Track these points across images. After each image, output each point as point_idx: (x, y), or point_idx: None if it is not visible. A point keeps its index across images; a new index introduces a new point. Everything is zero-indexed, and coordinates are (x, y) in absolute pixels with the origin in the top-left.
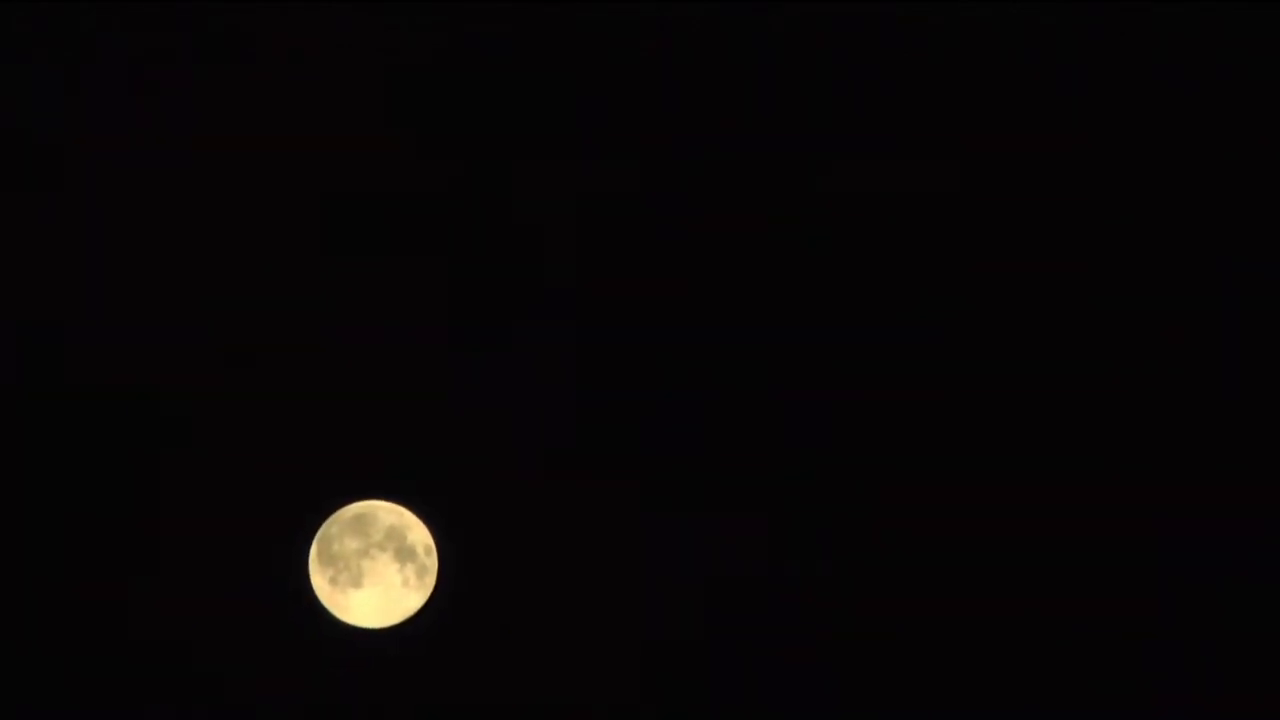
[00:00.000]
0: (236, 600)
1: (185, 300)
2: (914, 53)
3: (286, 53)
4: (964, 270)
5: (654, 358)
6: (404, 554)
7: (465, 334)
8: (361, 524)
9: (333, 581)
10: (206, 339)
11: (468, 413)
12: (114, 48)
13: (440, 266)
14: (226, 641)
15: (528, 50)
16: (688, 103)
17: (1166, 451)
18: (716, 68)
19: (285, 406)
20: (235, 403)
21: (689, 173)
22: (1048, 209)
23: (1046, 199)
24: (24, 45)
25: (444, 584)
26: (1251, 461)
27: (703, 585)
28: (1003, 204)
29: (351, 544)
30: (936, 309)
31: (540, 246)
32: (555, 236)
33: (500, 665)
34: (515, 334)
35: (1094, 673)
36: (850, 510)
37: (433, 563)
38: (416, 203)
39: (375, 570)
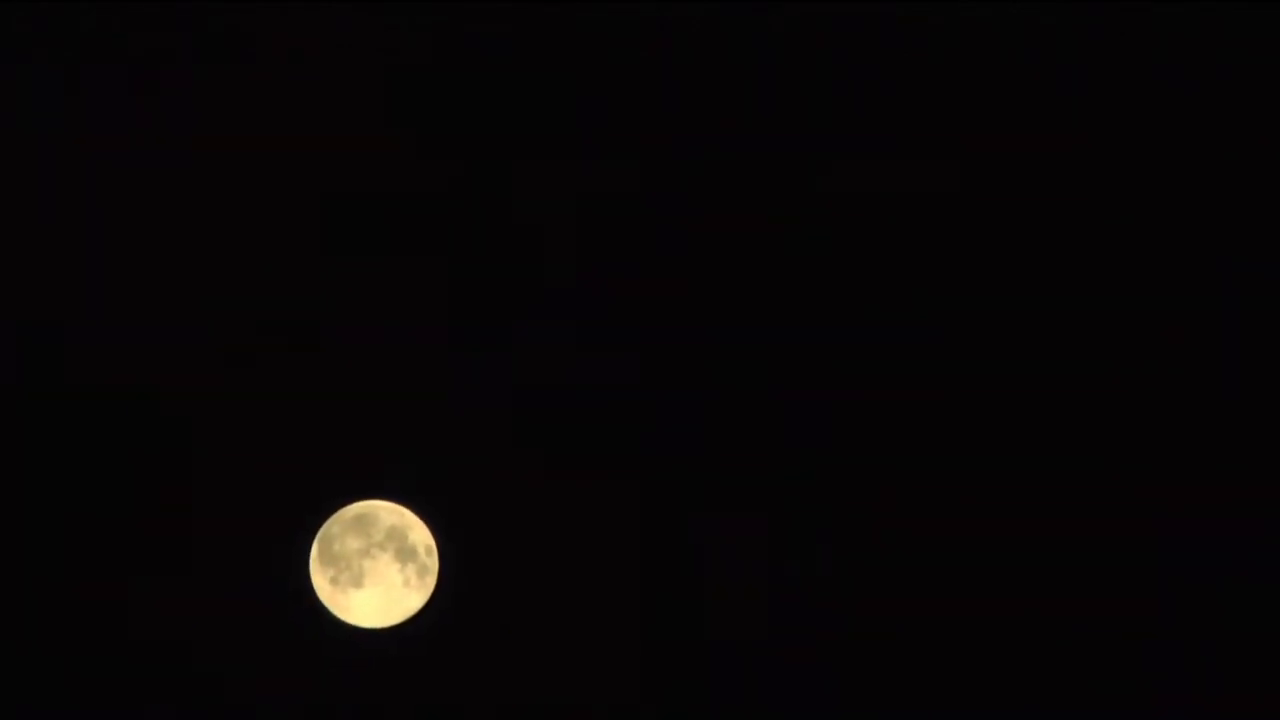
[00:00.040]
0: (237, 600)
1: (186, 300)
2: (914, 53)
3: (286, 53)
4: (964, 270)
5: (654, 357)
6: (405, 554)
7: (465, 334)
8: (362, 524)
9: (334, 581)
10: (207, 339)
11: (468, 413)
12: (114, 48)
13: (440, 266)
14: (227, 641)
15: (528, 50)
16: (688, 103)
17: (1166, 452)
18: (716, 68)
19: (286, 406)
20: (236, 403)
21: (689, 173)
22: (1048, 209)
23: (1046, 199)
24: (24, 45)
25: (445, 584)
26: (1252, 462)
27: (703, 585)
28: (1002, 204)
29: (352, 544)
30: (936, 309)
31: (540, 246)
32: (555, 236)
33: (501, 665)
34: (515, 334)
35: (1094, 673)
36: (850, 510)
37: (434, 563)
38: (416, 203)
39: (376, 570)
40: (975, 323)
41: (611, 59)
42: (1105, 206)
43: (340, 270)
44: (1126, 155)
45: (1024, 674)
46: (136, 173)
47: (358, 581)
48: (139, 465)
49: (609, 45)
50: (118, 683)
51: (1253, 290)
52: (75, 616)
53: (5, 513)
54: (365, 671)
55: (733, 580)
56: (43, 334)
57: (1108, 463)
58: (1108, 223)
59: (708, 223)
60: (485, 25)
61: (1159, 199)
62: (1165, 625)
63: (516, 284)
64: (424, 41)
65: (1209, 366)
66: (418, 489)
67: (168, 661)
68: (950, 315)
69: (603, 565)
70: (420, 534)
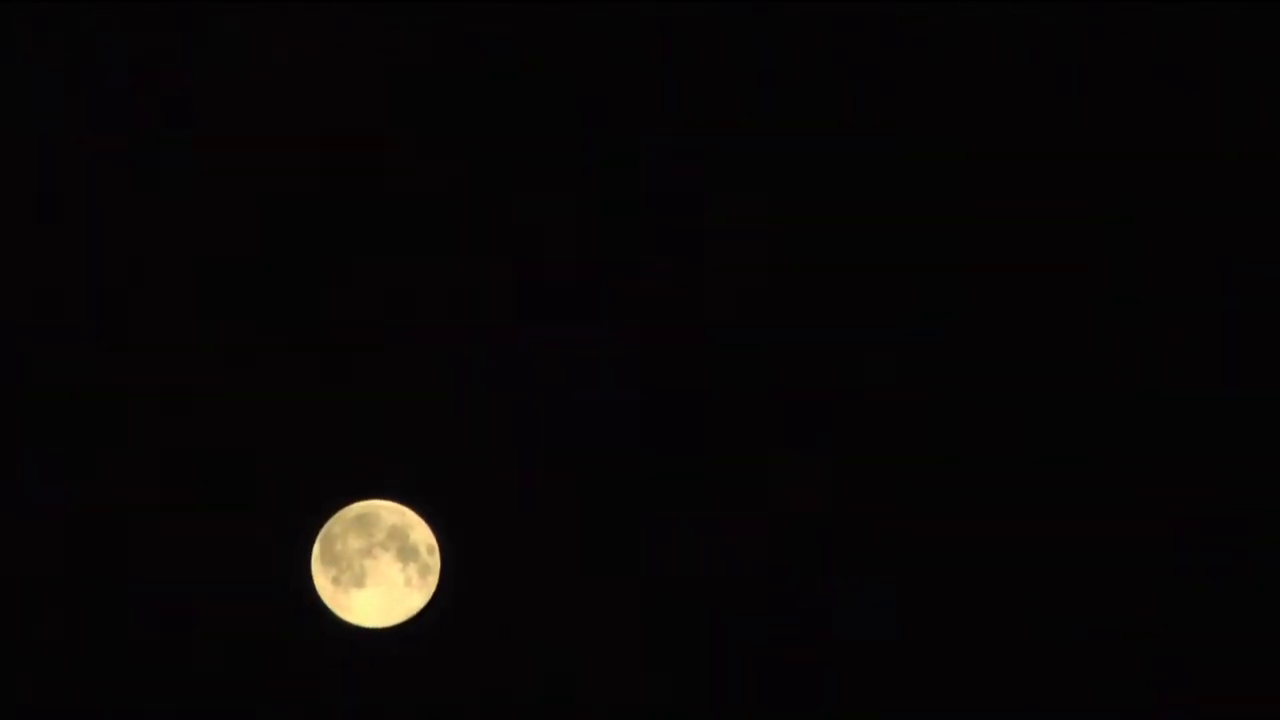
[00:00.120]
0: (238, 600)
1: (186, 300)
2: (914, 53)
3: (286, 53)
4: (964, 270)
5: (654, 357)
6: (406, 553)
7: (466, 333)
8: (364, 523)
9: (335, 581)
10: (208, 339)
11: (470, 412)
12: (114, 48)
13: (441, 266)
14: (228, 641)
15: (528, 50)
16: (688, 103)
17: (1167, 452)
18: (717, 67)
19: (287, 406)
20: (237, 402)
21: (689, 173)
22: (1047, 209)
23: (1046, 199)
24: (24, 45)
25: (446, 583)
26: (1252, 462)
27: (703, 585)
28: (1003, 204)
29: (354, 543)
30: (937, 309)
31: (541, 246)
32: (555, 236)
33: (502, 665)
34: (516, 334)
35: (1094, 673)
36: (850, 511)
37: (435, 562)
38: (416, 203)
39: (378, 570)
40: (976, 323)
41: (611, 59)
42: (1105, 206)
43: (340, 270)
44: (1126, 155)
45: (1024, 674)
46: (136, 173)
47: (359, 581)
48: (140, 465)
49: (609, 45)
50: (118, 682)
51: (1253, 290)
52: (76, 616)
53: (5, 512)
54: (367, 671)
55: (732, 580)
56: (43, 334)
57: (1108, 462)
58: (1107, 223)
59: (708, 223)
60: (485, 25)
61: (1159, 199)
62: (1166, 625)
63: (517, 284)
64: (424, 41)
65: (1209, 366)
66: (419, 488)
67: (169, 661)
68: (950, 315)
69: (604, 565)
70: (422, 533)
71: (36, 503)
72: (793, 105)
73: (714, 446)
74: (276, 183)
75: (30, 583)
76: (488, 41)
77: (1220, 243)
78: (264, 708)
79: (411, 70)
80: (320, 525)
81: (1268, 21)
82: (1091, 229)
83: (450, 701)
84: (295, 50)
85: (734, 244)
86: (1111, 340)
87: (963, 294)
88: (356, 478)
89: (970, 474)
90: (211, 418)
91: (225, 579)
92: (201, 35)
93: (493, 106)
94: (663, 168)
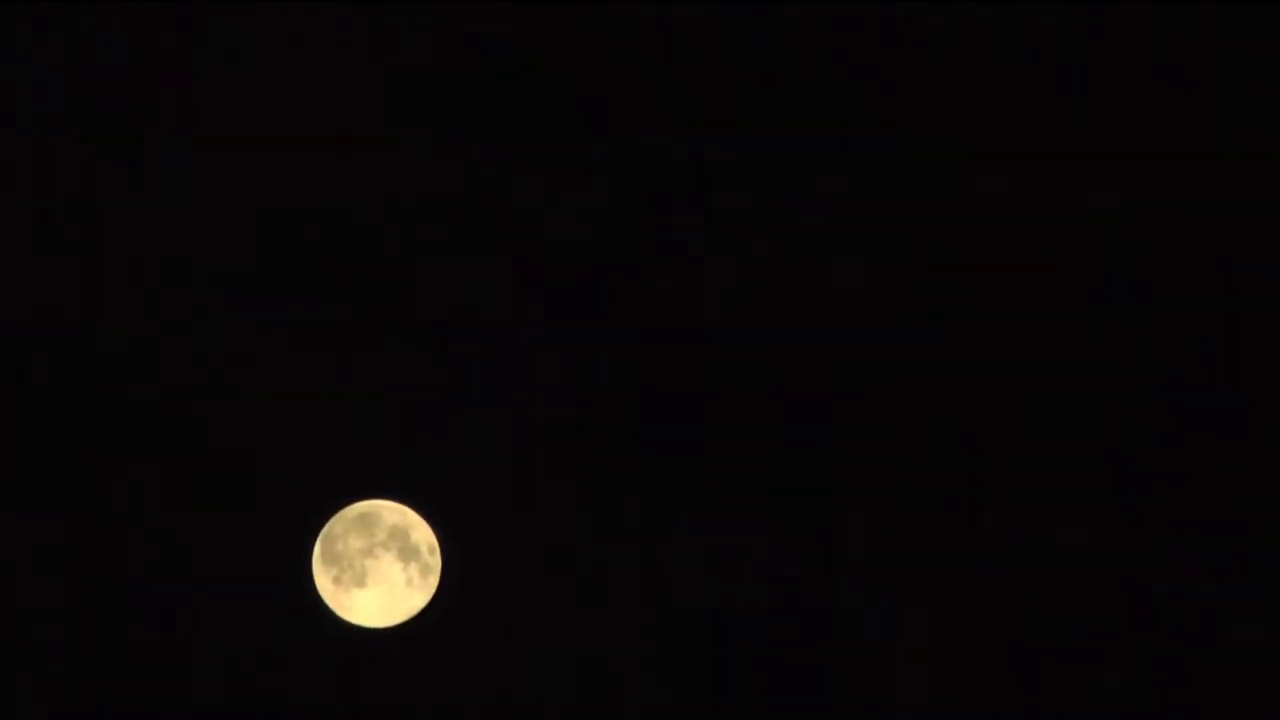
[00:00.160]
0: (239, 599)
1: (186, 300)
2: (914, 53)
3: (286, 53)
4: (964, 271)
5: (655, 357)
6: (408, 553)
7: (467, 333)
8: (365, 523)
9: (336, 581)
10: (208, 339)
11: (471, 412)
12: (114, 48)
13: (441, 266)
14: (229, 641)
15: (528, 50)
16: (688, 103)
17: (1167, 452)
18: (717, 67)
19: (288, 406)
20: (238, 402)
21: (689, 172)
22: (1047, 209)
23: (1046, 199)
24: (24, 45)
25: (448, 583)
26: (1251, 462)
27: (704, 585)
28: (1003, 204)
29: (355, 543)
30: (937, 309)
31: (541, 246)
32: (556, 236)
33: (504, 665)
34: (517, 333)
35: (1093, 674)
36: (851, 511)
37: (436, 562)
38: (416, 203)
39: (379, 569)
40: (975, 323)
41: (611, 59)
42: (1105, 206)
43: (341, 270)
44: (1126, 155)
45: (1024, 675)
46: (136, 173)
47: (360, 581)
48: (141, 464)
49: (609, 45)
50: (119, 682)
51: (1253, 290)
52: (77, 616)
53: (6, 512)
54: (368, 671)
55: (733, 580)
56: (43, 334)
57: (1107, 463)
58: (1107, 223)
59: (709, 222)
60: (485, 25)
61: (1158, 199)
62: (1166, 626)
63: (518, 283)
64: (424, 41)
65: (1209, 366)
66: (420, 488)
67: (169, 661)
68: (950, 316)
69: (605, 565)
70: (423, 533)
71: (38, 502)
72: (793, 105)
73: (714, 446)
74: (276, 182)
75: (31, 583)
76: (488, 41)
77: (1220, 243)
78: (265, 708)
79: (411, 70)
80: (321, 525)
81: (1268, 21)
82: (1091, 229)
83: (451, 701)
84: (295, 50)
85: (735, 244)
86: (1112, 340)
87: (962, 294)
88: (358, 477)
89: (970, 474)
90: (212, 417)
91: (226, 578)
92: (201, 35)
93: (493, 106)
94: (663, 167)
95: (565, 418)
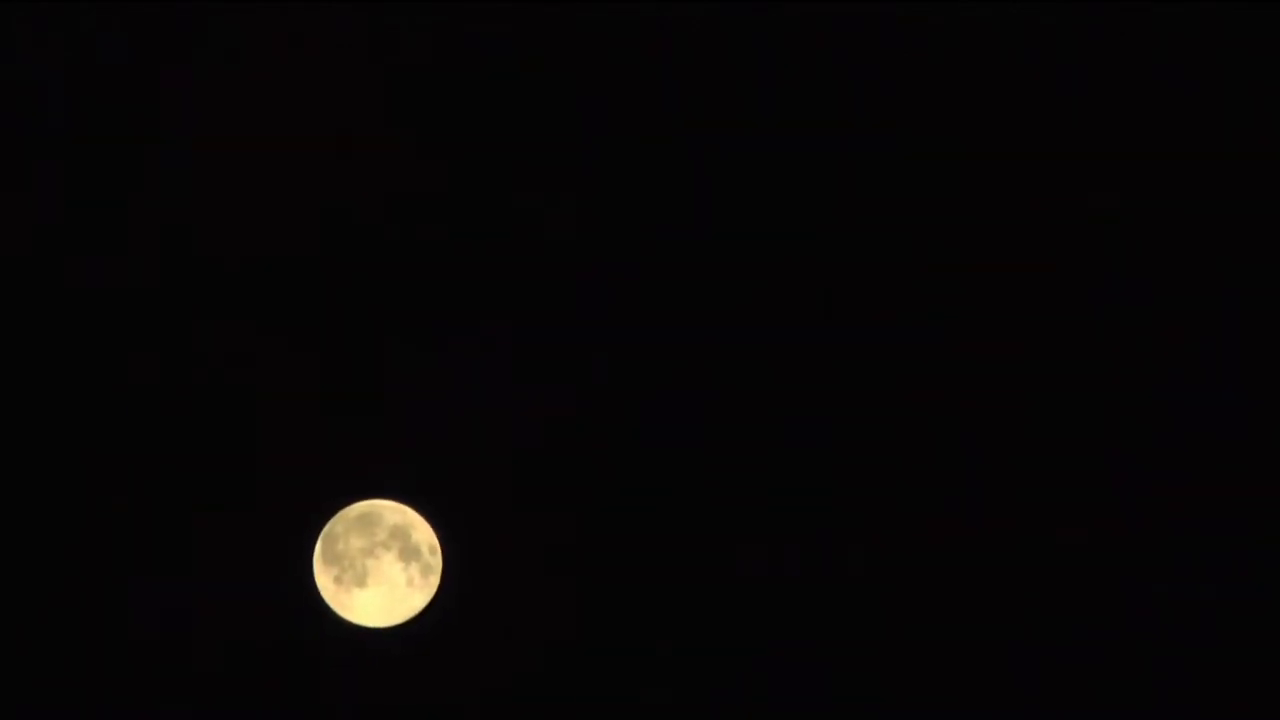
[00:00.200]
0: (240, 599)
1: (186, 300)
2: (914, 53)
3: (286, 53)
4: (964, 271)
5: (656, 357)
6: (408, 553)
7: (468, 333)
8: (366, 523)
9: (337, 580)
10: (208, 339)
11: (472, 412)
12: (114, 48)
13: (441, 266)
14: (229, 640)
15: (528, 50)
16: (688, 103)
17: (1167, 452)
18: (717, 67)
19: (289, 406)
20: (239, 402)
21: (690, 172)
22: (1047, 209)
23: (1046, 199)
24: (24, 45)
25: (448, 583)
26: (1251, 462)
27: (705, 584)
28: (1003, 204)
29: (356, 543)
30: (937, 309)
31: (541, 246)
32: (556, 236)
33: (505, 665)
34: (518, 333)
35: (1093, 674)
36: (852, 512)
37: (437, 562)
38: (416, 203)
39: (379, 569)
40: (976, 324)
41: (611, 59)
42: (1105, 206)
43: (341, 270)
44: (1126, 155)
45: (1024, 675)
46: (136, 173)
47: (361, 581)
48: (142, 464)
49: (609, 45)
50: (120, 681)
51: (1253, 290)
52: (77, 615)
53: (6, 513)
54: (368, 671)
55: (734, 579)
56: (43, 334)
57: (1108, 463)
58: (1107, 222)
59: (709, 222)
60: (485, 25)
61: (1158, 199)
62: (1165, 626)
63: (519, 283)
64: (424, 41)
65: (1209, 366)
66: (421, 488)
67: (170, 661)
68: (950, 316)
69: (606, 565)
70: (424, 533)
71: (39, 502)
72: (793, 105)
73: (714, 446)
74: (276, 182)
75: (32, 582)
76: (488, 41)
77: (1220, 243)
78: (265, 708)
79: (411, 70)
80: (322, 524)
81: (1268, 21)
82: (1091, 229)
83: (452, 701)
84: (295, 50)
85: (735, 244)
86: (1112, 340)
87: (962, 294)
88: (358, 477)
89: (970, 474)
90: (213, 417)
91: (227, 578)
92: (201, 35)
93: (493, 106)
94: (663, 167)
95: (565, 418)
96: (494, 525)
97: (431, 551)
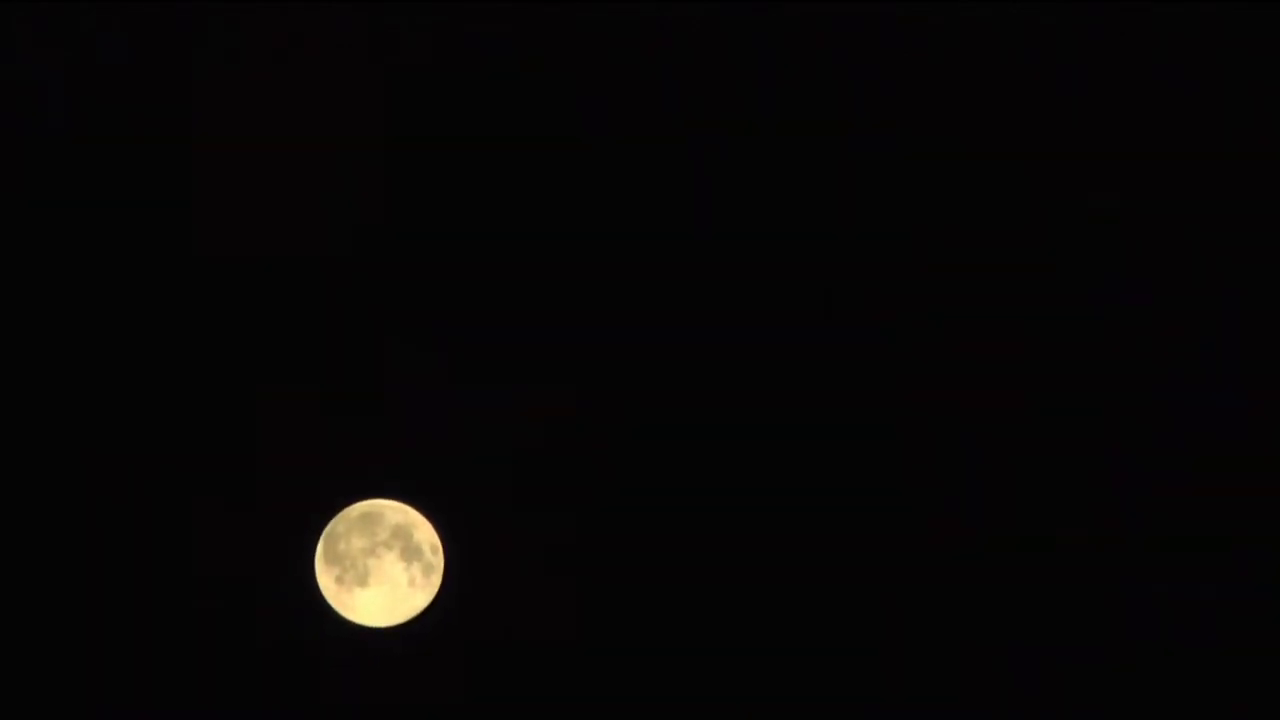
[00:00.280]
0: (241, 598)
1: (187, 300)
2: (914, 53)
3: (286, 53)
4: (964, 271)
5: (657, 357)
6: (410, 553)
7: (469, 333)
8: (368, 523)
9: (339, 580)
10: (209, 339)
11: (474, 412)
12: (114, 48)
13: (442, 266)
14: (231, 640)
15: (528, 50)
16: (688, 103)
17: (1167, 452)
18: (717, 67)
19: (291, 405)
20: (241, 402)
21: (690, 172)
22: (1047, 209)
23: (1046, 199)
24: (24, 45)
25: (450, 583)
26: (1252, 462)
27: (707, 584)
28: (1003, 204)
29: (358, 543)
30: (937, 310)
31: (541, 246)
32: (556, 236)
33: (506, 665)
34: (520, 333)
35: (1093, 674)
36: (851, 511)
37: (439, 562)
38: (417, 203)
39: (381, 569)
40: (975, 323)
41: (611, 59)
42: (1105, 206)
43: (341, 270)
44: (1126, 155)
45: (1023, 675)
46: (136, 173)
47: (363, 580)
48: (141, 464)
49: (609, 45)
50: (120, 681)
51: (1253, 290)
52: (79, 615)
53: (6, 513)
54: (370, 671)
55: (736, 579)
56: (43, 335)
57: (1107, 463)
58: (1107, 222)
59: (709, 222)
60: (485, 25)
61: (1158, 199)
62: (1166, 627)
63: (519, 283)
64: (424, 41)
65: (1209, 366)
66: (423, 488)
67: (171, 661)
68: (950, 316)
69: (606, 565)
70: (425, 533)
71: (40, 502)
72: (793, 105)
73: (715, 446)
74: (276, 182)
75: (33, 582)
76: (488, 41)
77: (1220, 243)
78: (266, 707)
79: (411, 70)
80: (324, 524)
81: (1268, 21)
82: (1091, 229)
83: (453, 701)
84: (295, 50)
85: (735, 244)
86: (1112, 340)
87: (962, 294)
88: (360, 477)
89: (970, 474)
90: (215, 417)
91: (228, 578)
92: (201, 35)
93: (493, 106)
94: (663, 167)
95: (565, 418)
96: (495, 525)
97: (433, 551)
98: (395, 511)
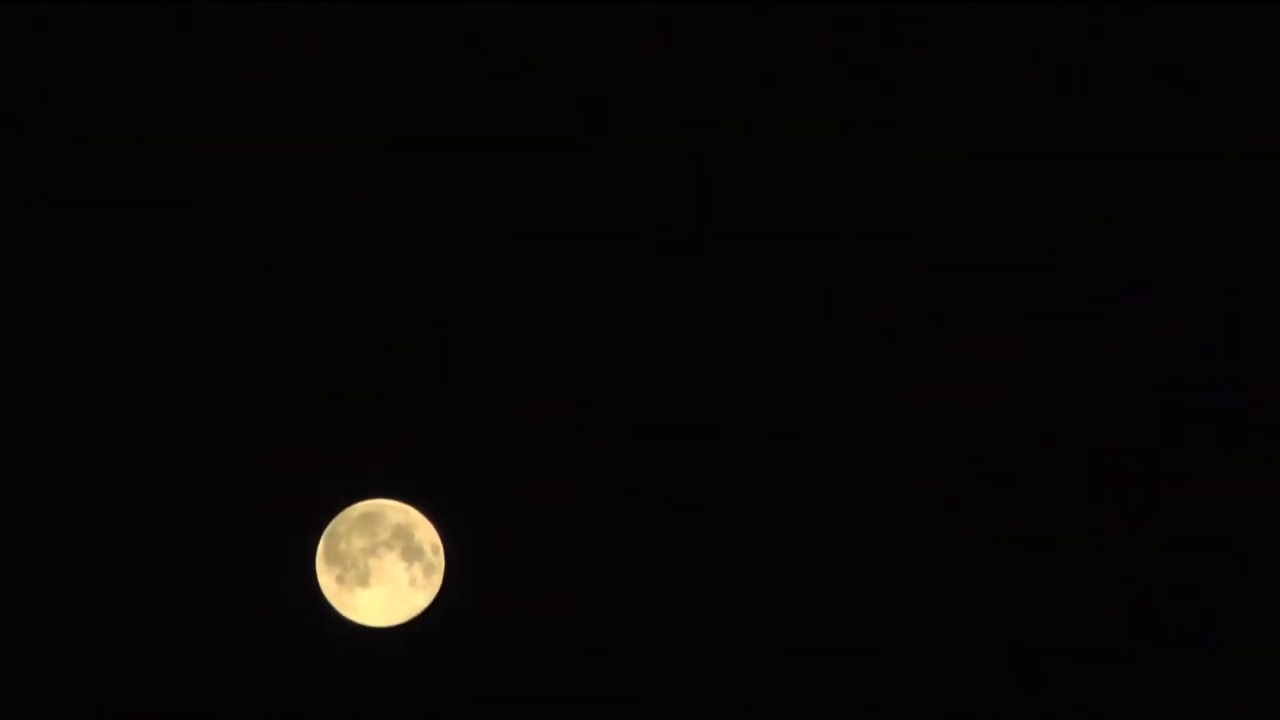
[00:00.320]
0: (242, 598)
1: (187, 300)
2: (914, 53)
3: (286, 53)
4: (964, 271)
5: (656, 357)
6: (411, 553)
7: (470, 332)
8: (369, 522)
9: (340, 580)
10: (209, 339)
11: (475, 412)
12: (114, 48)
13: (442, 266)
14: (232, 639)
15: (528, 50)
16: (688, 103)
17: (1167, 452)
18: (717, 67)
19: (292, 405)
20: (242, 402)
21: (690, 172)
22: (1047, 209)
23: (1046, 199)
24: (24, 45)
25: (451, 583)
26: (1252, 462)
27: (707, 584)
28: (1003, 204)
29: (358, 542)
30: (937, 310)
31: (541, 246)
32: (556, 236)
33: (507, 664)
34: (520, 333)
35: (1093, 674)
36: (851, 511)
37: (440, 561)
38: (417, 203)
39: (382, 569)
40: (975, 323)
41: (611, 59)
42: (1105, 206)
43: (341, 270)
44: (1126, 155)
45: (1022, 675)
46: (136, 173)
47: (364, 580)
48: (142, 464)
49: (609, 45)
50: (121, 681)
51: (1253, 290)
52: (80, 615)
53: (7, 513)
54: (371, 670)
55: (737, 579)
56: (43, 335)
57: (1107, 462)
58: (1107, 222)
59: (709, 222)
60: (485, 25)
61: (1158, 199)
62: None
63: (518, 283)
64: (424, 41)
65: (1209, 366)
66: (424, 488)
67: (171, 660)
68: (950, 315)
69: (608, 565)
70: (426, 533)
71: (41, 502)
72: (793, 105)
73: (715, 446)
74: (276, 182)
75: (33, 582)
76: (488, 41)
77: (1220, 243)
78: (267, 707)
79: (411, 70)
80: (324, 524)
81: (1268, 21)
82: (1091, 229)
83: (454, 701)
84: (295, 50)
85: (735, 244)
86: (1112, 340)
87: (962, 294)
88: (361, 477)
89: (970, 474)
90: (216, 417)
91: (229, 578)
92: (201, 35)
93: (493, 106)
94: (663, 167)
95: (566, 418)
96: (496, 525)
97: (434, 551)
98: (396, 511)
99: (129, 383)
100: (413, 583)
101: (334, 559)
